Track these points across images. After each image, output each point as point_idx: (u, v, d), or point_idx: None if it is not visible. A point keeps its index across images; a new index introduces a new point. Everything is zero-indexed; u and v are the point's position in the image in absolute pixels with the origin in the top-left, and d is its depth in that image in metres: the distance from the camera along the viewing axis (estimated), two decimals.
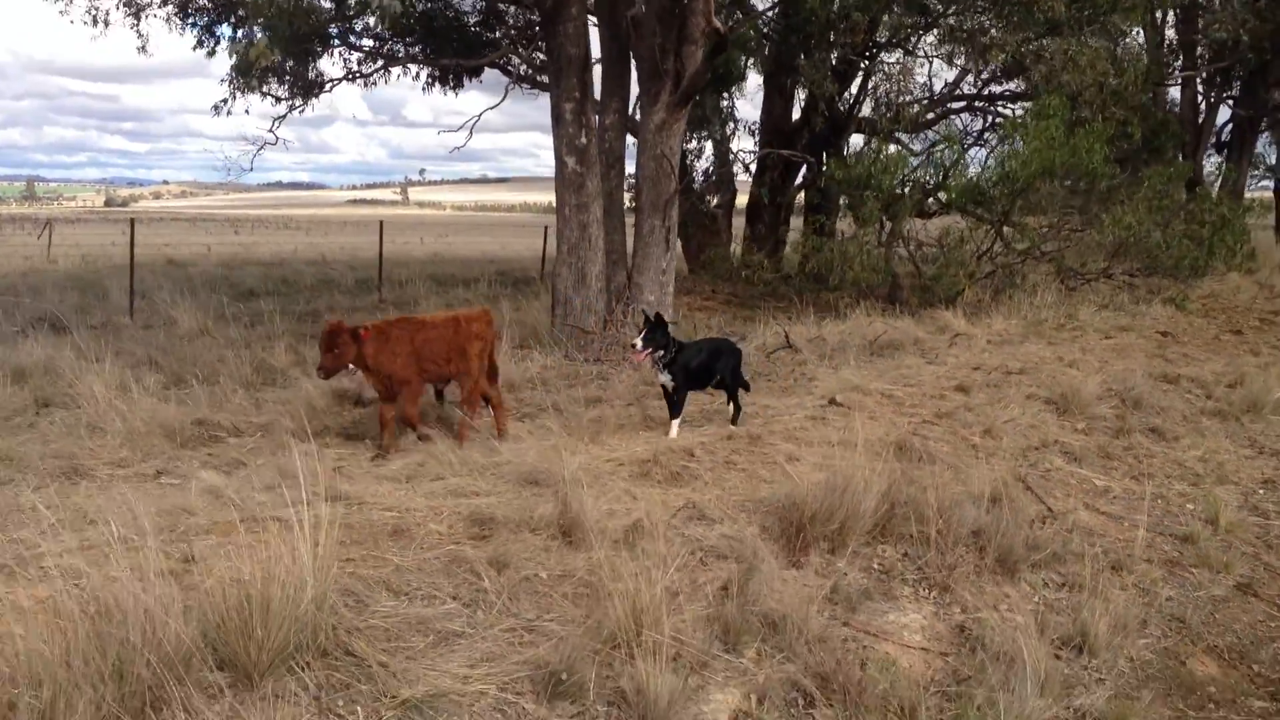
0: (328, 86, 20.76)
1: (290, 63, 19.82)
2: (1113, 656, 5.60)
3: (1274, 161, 35.54)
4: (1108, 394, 10.64)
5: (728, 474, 7.33)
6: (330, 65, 21.30)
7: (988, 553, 6.34)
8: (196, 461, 8.01)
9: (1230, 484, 8.76)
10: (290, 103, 20.20)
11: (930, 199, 19.39)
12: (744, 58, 20.58)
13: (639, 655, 4.47)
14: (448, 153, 31.41)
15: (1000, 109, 22.87)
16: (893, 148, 19.94)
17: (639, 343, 8.54)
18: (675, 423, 8.73)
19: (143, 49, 21.48)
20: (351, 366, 8.64)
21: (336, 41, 20.74)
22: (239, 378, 10.65)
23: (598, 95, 13.08)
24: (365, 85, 21.26)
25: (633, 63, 13.13)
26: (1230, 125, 30.46)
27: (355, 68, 21.00)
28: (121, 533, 4.94)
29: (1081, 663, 5.53)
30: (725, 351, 9.24)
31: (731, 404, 9.22)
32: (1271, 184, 35.82)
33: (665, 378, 8.73)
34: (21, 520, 5.93)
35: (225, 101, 19.64)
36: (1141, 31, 22.57)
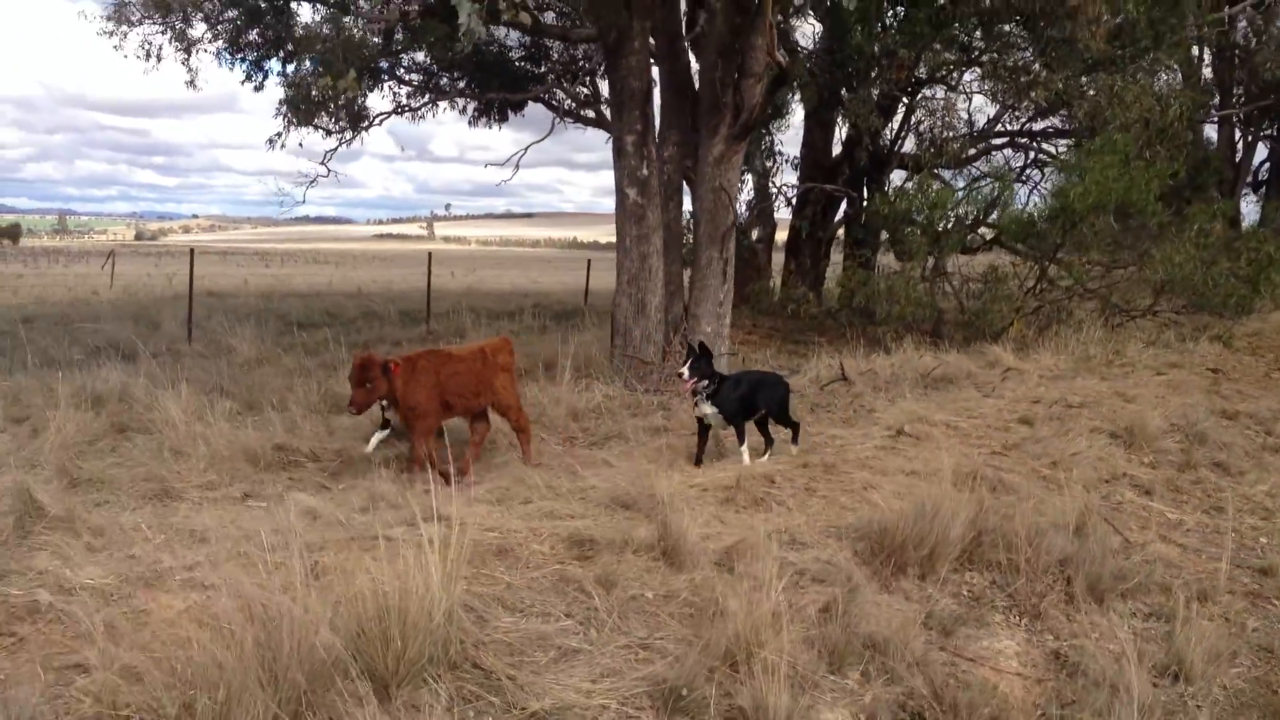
0: (377, 120, 21.11)
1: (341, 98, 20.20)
2: (1207, 685, 5.63)
3: None
4: (1171, 429, 10.64)
5: (809, 500, 7.40)
6: (380, 100, 21.54)
7: (1075, 582, 6.37)
8: (280, 485, 8.15)
9: None
10: (340, 136, 20.54)
11: (973, 234, 19.45)
12: (789, 93, 20.74)
13: (754, 674, 4.54)
14: (494, 185, 31.78)
15: (1042, 145, 22.92)
16: (937, 183, 19.99)
17: (685, 371, 8.52)
18: (744, 449, 8.81)
19: (191, 83, 21.95)
20: (384, 403, 8.77)
21: (386, 76, 21.12)
22: (308, 404, 10.81)
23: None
24: (414, 119, 21.58)
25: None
26: (1268, 163, 30.54)
27: (405, 101, 21.34)
28: (245, 549, 5.07)
29: (1178, 690, 5.56)
30: (770, 384, 9.21)
31: (790, 431, 9.29)
32: None
33: (708, 409, 8.67)
34: (128, 538, 6.05)
35: (279, 134, 20.00)
36: (1178, 70, 22.64)
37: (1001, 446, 9.44)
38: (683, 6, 13.28)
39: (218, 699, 3.30)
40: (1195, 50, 22.31)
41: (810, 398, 12.31)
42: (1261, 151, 30.62)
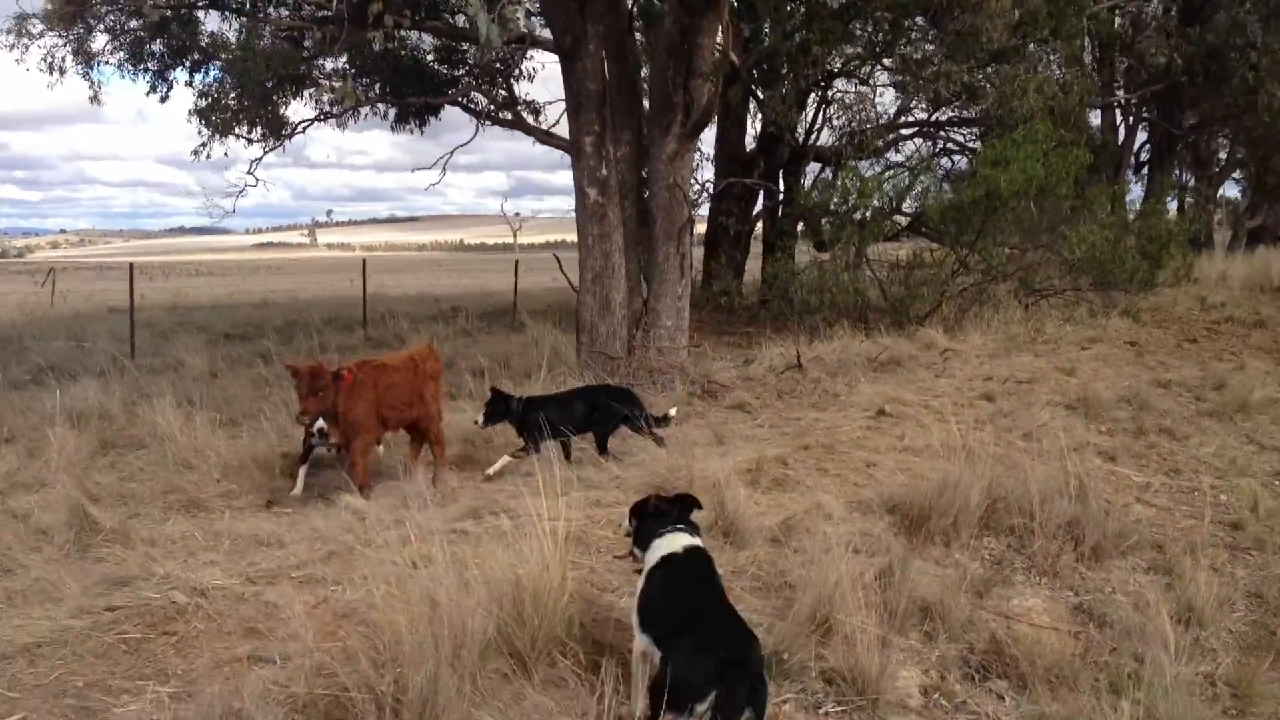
0: (300, 127, 20.95)
1: (264, 106, 20.03)
2: (1217, 630, 6.13)
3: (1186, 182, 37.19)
4: (1119, 400, 11.31)
5: (824, 479, 7.79)
6: (302, 106, 21.40)
7: (1083, 542, 6.85)
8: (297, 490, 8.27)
9: (1249, 476, 9.39)
10: (264, 145, 20.35)
11: (891, 221, 20.12)
12: (740, 91, 21.17)
13: (841, 638, 4.89)
14: (424, 188, 31.53)
15: (951, 134, 23.78)
16: (856, 175, 20.64)
17: (480, 420, 8.76)
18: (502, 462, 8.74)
19: (95, 98, 21.53)
20: (315, 431, 8.21)
21: (306, 83, 20.96)
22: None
23: None
24: (338, 125, 21.44)
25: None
26: (1149, 146, 32.11)
27: (327, 108, 21.20)
28: (335, 548, 5.26)
29: (1192, 635, 6.03)
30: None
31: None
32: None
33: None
34: (186, 546, 6.17)
35: (204, 146, 19.74)
36: (1072, 59, 23.66)
37: (975, 421, 9.95)
38: (630, 8, 13.57)
39: (427, 676, 3.53)
40: (1087, 41, 23.35)
41: (772, 384, 12.72)
42: (1141, 135, 32.19)
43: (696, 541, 4.56)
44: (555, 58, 20.11)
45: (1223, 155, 37.15)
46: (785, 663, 4.80)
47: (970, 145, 22.87)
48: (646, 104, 14.68)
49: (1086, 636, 5.91)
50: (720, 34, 11.72)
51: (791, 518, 6.29)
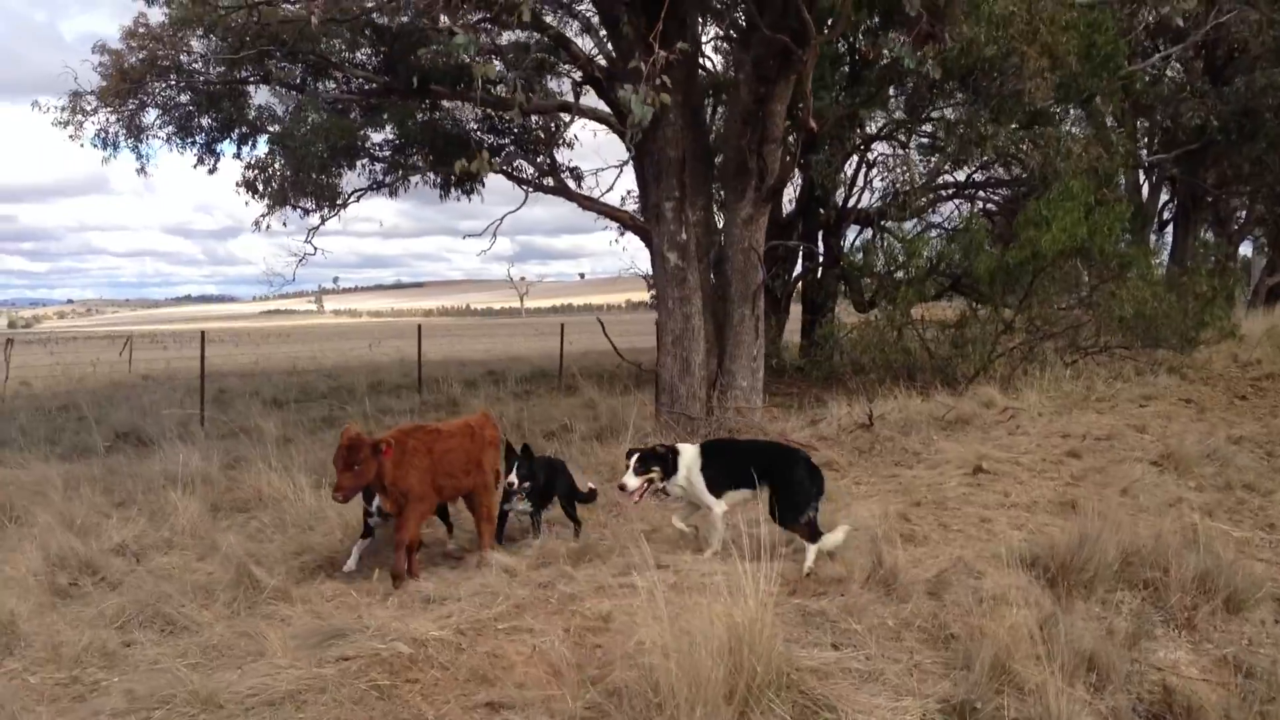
0: (353, 196, 21.40)
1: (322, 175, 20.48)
2: None
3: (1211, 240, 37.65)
4: (1202, 456, 11.45)
5: (948, 534, 7.95)
6: (357, 177, 21.80)
7: (1215, 594, 6.97)
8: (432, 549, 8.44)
9: None
10: (321, 214, 20.78)
11: (936, 281, 20.40)
12: (817, 156, 21.57)
13: (1024, 688, 5.03)
14: (477, 254, 31.80)
15: (991, 195, 24.14)
16: (901, 235, 20.99)
17: (515, 479, 8.10)
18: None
19: (141, 170, 22.03)
20: (373, 506, 7.92)
21: (359, 154, 21.44)
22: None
23: None
24: (389, 194, 21.89)
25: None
26: (1174, 205, 32.60)
27: (380, 177, 21.67)
28: (518, 600, 5.41)
29: None
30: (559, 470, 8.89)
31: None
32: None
33: (524, 506, 8.46)
34: (353, 602, 6.32)
35: (264, 216, 20.23)
36: (1111, 120, 24.12)
37: (1070, 478, 10.11)
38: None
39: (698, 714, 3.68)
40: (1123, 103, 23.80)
41: (847, 443, 12.88)
42: (1163, 194, 32.72)
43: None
44: (596, 126, 20.65)
45: (1241, 214, 37.59)
46: (978, 712, 4.92)
47: (1010, 205, 23.16)
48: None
49: (1240, 686, 6.02)
50: (801, 100, 12.00)
51: (943, 572, 6.44)
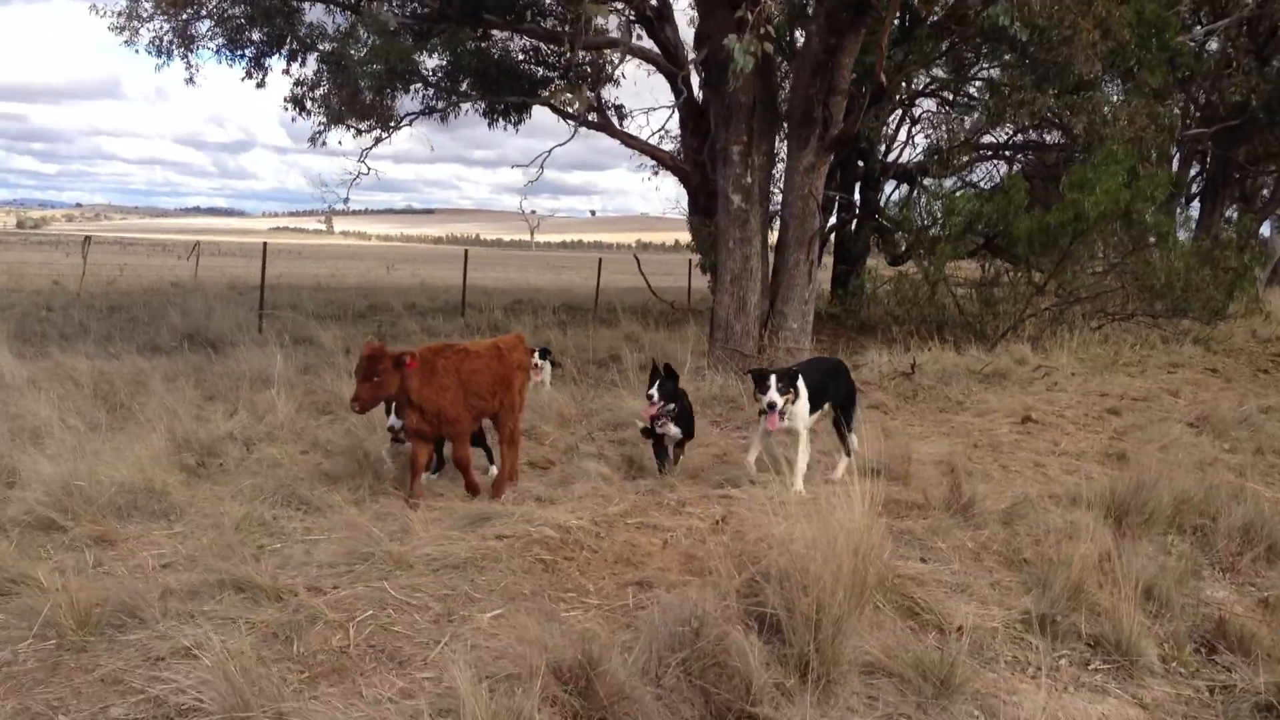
0: (406, 120, 21.72)
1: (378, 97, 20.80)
2: None
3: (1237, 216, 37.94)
4: (1233, 422, 11.94)
5: (1007, 475, 8.46)
6: (410, 101, 22.09)
7: (1258, 543, 7.48)
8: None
9: None
10: (375, 135, 21.12)
11: (969, 239, 20.76)
12: (887, 108, 21.88)
13: (1083, 609, 5.56)
14: (521, 186, 32.13)
15: (1029, 158, 24.43)
16: (942, 191, 21.33)
17: (655, 393, 7.87)
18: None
19: (190, 80, 22.36)
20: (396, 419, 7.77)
21: (413, 78, 21.75)
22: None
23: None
24: (441, 120, 22.22)
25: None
26: (1203, 180, 32.88)
27: (432, 102, 21.99)
28: (639, 502, 5.93)
29: None
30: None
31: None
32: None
33: (673, 429, 8.17)
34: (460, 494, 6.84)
35: (320, 133, 20.57)
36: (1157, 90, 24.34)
37: (1113, 433, 10.62)
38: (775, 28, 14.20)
39: (838, 600, 4.21)
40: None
41: (891, 389, 13.40)
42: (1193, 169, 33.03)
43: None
44: (642, 65, 20.91)
45: (1266, 192, 37.83)
46: (1057, 625, 5.44)
47: (1048, 170, 23.44)
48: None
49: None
50: (872, 54, 12.34)
51: (1014, 505, 6.96)
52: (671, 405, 7.92)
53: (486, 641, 4.03)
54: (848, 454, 8.22)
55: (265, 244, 21.21)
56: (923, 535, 6.29)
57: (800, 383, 7.62)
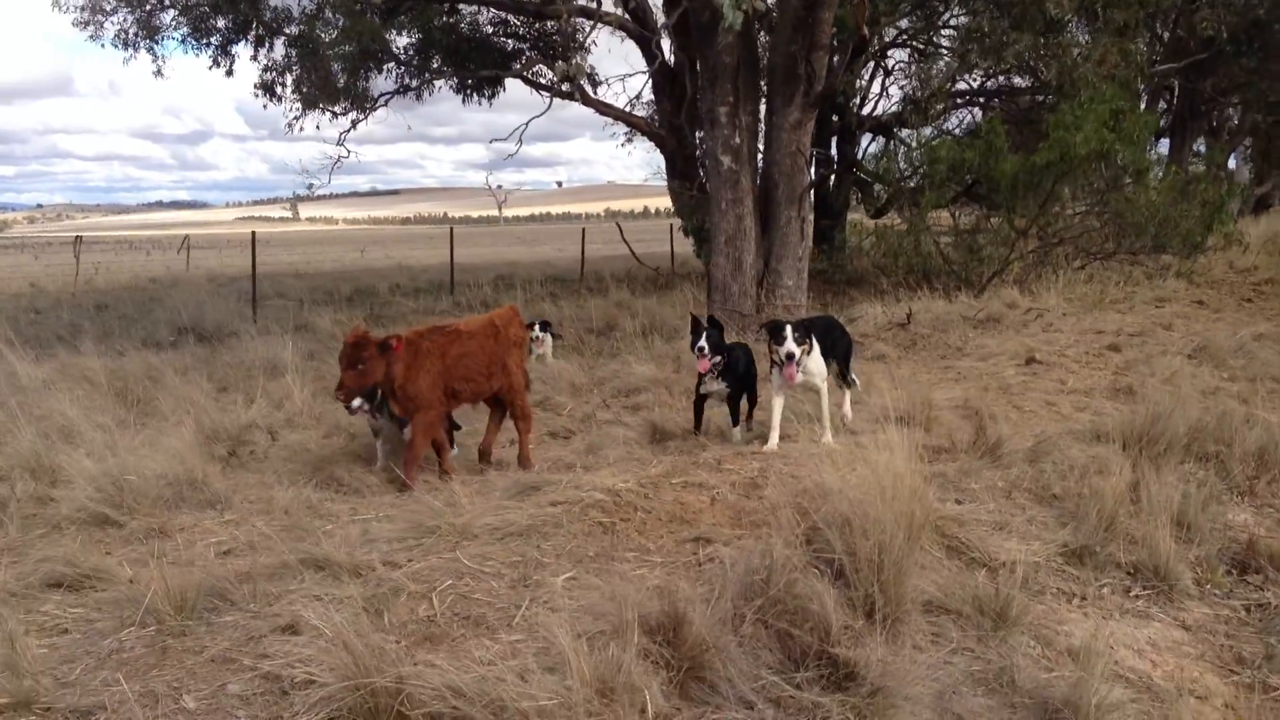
0: (381, 100, 21.66)
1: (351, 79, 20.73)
2: None
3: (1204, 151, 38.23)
4: (1230, 351, 12.14)
5: (1023, 416, 8.63)
6: (383, 81, 22.00)
7: (1273, 466, 7.67)
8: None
9: None
10: (352, 117, 21.06)
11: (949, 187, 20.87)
12: (867, 62, 21.89)
13: (1120, 539, 5.73)
14: (504, 158, 32.04)
15: (1006, 103, 24.54)
16: (927, 139, 21.43)
17: (705, 345, 7.66)
18: (737, 430, 8.15)
19: (158, 73, 22.23)
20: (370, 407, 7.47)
21: (384, 57, 21.66)
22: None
23: None
24: (416, 98, 22.16)
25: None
26: (1171, 115, 33.14)
27: (407, 81, 21.93)
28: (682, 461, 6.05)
29: None
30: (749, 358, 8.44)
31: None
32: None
33: (717, 385, 7.95)
34: (496, 469, 6.95)
35: (296, 119, 20.52)
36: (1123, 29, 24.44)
37: (1118, 369, 10.80)
38: None
39: (898, 543, 4.35)
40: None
41: (890, 339, 13.55)
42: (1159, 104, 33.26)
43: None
44: (613, 33, 20.89)
45: (1233, 123, 38.11)
46: (1096, 555, 5.61)
47: (1024, 114, 23.53)
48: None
49: None
50: (857, 8, 12.42)
51: (1038, 443, 7.12)
52: (719, 358, 7.73)
53: (564, 602, 4.14)
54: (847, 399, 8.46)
55: (254, 233, 21.21)
56: (955, 477, 6.43)
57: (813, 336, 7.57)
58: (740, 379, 7.99)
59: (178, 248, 46.38)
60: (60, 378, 9.88)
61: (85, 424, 7.60)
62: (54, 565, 4.68)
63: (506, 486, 5.74)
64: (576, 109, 22.89)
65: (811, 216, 14.20)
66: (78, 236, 31.11)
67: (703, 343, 7.60)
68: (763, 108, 18.09)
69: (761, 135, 14.65)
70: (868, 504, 4.51)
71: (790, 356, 7.23)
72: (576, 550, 4.75)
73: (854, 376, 8.70)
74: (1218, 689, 4.76)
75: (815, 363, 7.58)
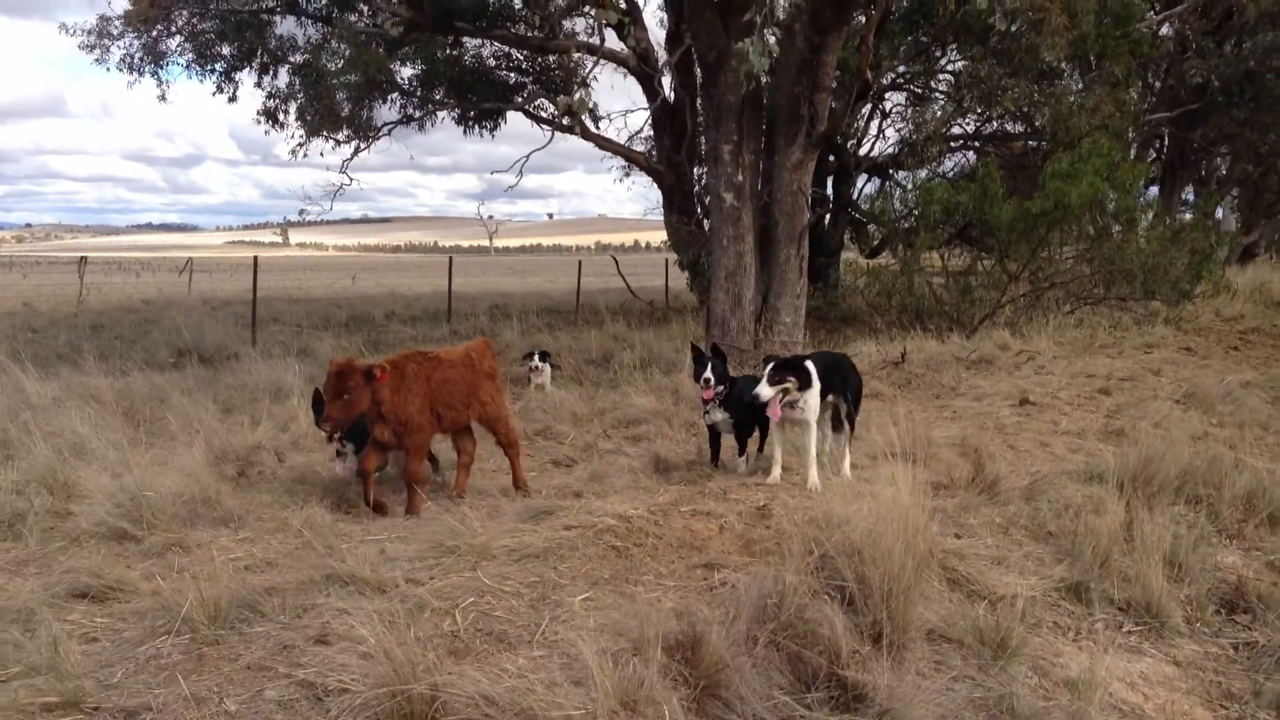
0: (384, 130, 21.91)
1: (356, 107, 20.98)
2: None
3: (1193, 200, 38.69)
4: (1218, 397, 12.35)
5: (1018, 454, 8.80)
6: (386, 110, 22.26)
7: (1260, 510, 7.84)
8: (549, 454, 9.19)
9: None
10: (355, 145, 21.29)
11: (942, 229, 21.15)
12: (869, 105, 22.21)
13: (1113, 576, 5.89)
14: (504, 190, 32.19)
15: (999, 149, 24.89)
16: (919, 183, 21.74)
17: (710, 376, 7.71)
18: (741, 460, 8.21)
19: (162, 97, 22.48)
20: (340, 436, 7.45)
21: (388, 87, 21.93)
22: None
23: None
24: (420, 129, 22.42)
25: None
26: (1160, 164, 33.60)
27: (410, 111, 22.20)
28: (689, 491, 6.19)
29: None
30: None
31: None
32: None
33: (719, 416, 7.99)
34: (509, 495, 7.08)
35: (300, 145, 20.74)
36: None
37: (1108, 412, 10.99)
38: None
39: (907, 570, 4.50)
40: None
41: (884, 377, 13.74)
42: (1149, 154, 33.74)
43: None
44: (615, 69, 21.19)
45: (1221, 172, 38.58)
46: (1091, 591, 5.77)
47: (1018, 159, 23.87)
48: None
49: None
50: (859, 51, 12.68)
51: (1033, 481, 7.29)
52: (721, 388, 7.76)
53: (583, 621, 4.27)
54: (849, 437, 8.27)
55: (256, 258, 21.29)
56: (954, 513, 6.59)
57: (814, 374, 7.52)
58: (745, 410, 7.91)
59: (179, 270, 46.50)
60: (67, 395, 9.99)
61: (96, 441, 7.70)
62: (79, 576, 4.80)
63: (518, 511, 5.87)
64: (570, 141, 23.20)
65: (808, 254, 14.35)
66: (82, 257, 31.21)
67: (708, 373, 7.64)
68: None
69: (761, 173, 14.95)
70: (878, 534, 4.66)
71: (756, 397, 7.23)
72: (592, 573, 4.89)
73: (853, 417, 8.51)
74: None
75: (812, 397, 7.56)
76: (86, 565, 4.92)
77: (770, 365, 7.33)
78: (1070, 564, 6.04)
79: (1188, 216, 30.84)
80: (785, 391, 7.27)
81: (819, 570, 4.72)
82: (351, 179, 21.83)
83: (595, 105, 22.31)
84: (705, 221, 22.59)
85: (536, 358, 12.70)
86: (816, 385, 7.49)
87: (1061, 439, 9.63)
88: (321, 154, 22.43)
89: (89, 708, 3.48)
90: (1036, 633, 5.27)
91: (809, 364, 7.52)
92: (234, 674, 3.77)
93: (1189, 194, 37.70)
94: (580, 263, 26.55)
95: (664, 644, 3.82)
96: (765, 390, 7.17)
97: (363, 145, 21.40)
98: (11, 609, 4.40)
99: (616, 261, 21.57)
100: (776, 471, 7.45)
